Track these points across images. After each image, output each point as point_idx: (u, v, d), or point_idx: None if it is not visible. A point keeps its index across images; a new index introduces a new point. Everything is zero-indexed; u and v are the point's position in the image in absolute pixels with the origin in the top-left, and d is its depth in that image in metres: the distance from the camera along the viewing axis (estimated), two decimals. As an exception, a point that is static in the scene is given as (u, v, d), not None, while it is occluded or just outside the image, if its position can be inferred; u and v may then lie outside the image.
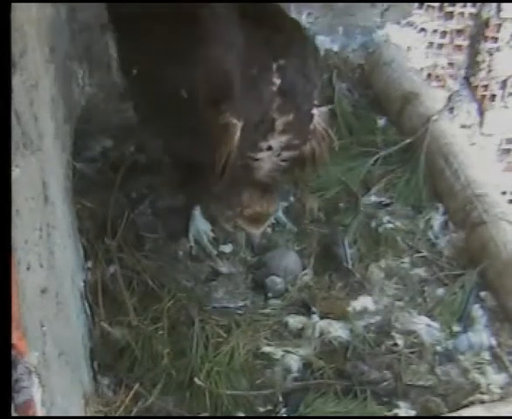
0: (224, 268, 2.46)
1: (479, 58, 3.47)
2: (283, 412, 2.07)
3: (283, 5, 2.38)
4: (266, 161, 2.06)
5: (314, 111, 2.11)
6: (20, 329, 1.25)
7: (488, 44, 3.44)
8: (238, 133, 2.00)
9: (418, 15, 3.41)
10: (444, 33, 3.46)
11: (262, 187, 2.13)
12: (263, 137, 2.03)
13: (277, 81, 2.03)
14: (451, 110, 3.41)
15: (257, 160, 2.06)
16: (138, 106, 2.39)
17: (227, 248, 2.54)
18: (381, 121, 3.07)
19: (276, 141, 2.04)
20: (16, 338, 1.22)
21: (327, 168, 2.69)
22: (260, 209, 2.17)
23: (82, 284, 2.30)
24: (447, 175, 2.73)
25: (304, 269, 2.47)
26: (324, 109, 2.16)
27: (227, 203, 2.28)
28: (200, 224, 2.56)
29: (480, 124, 3.60)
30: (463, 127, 3.50)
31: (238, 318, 2.29)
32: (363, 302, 2.38)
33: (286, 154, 2.07)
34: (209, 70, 2.07)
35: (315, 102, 2.12)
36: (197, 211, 2.56)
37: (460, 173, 2.69)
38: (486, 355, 2.24)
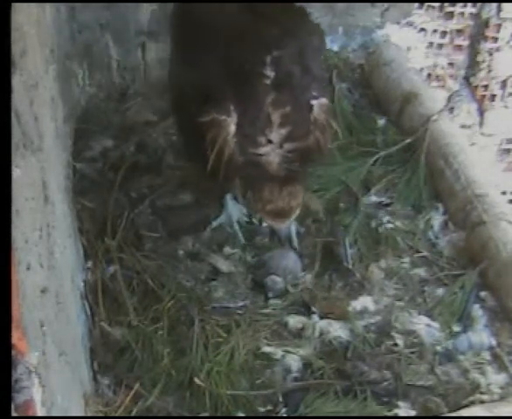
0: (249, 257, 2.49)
1: (479, 58, 3.47)
2: (283, 412, 2.07)
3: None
4: (272, 154, 2.06)
5: (313, 102, 2.10)
6: (20, 329, 1.25)
7: (488, 44, 3.44)
8: (228, 130, 2.02)
9: (418, 15, 3.41)
10: (444, 33, 3.47)
11: (281, 181, 2.11)
12: (261, 132, 2.03)
13: (271, 74, 2.03)
14: (451, 110, 3.41)
15: (261, 155, 2.06)
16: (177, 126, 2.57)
17: (225, 249, 2.55)
18: (381, 121, 3.07)
19: (275, 135, 2.04)
20: (16, 338, 1.22)
21: (326, 167, 2.70)
22: (282, 203, 2.15)
23: (82, 284, 2.30)
24: (447, 175, 2.73)
25: (304, 269, 2.47)
26: (323, 100, 2.14)
27: (251, 199, 2.29)
28: (233, 211, 2.58)
29: (480, 124, 3.60)
30: (463, 127, 3.50)
31: (238, 318, 2.29)
32: (363, 302, 2.38)
33: (289, 146, 2.06)
34: (192, 72, 2.11)
35: (314, 93, 2.12)
36: (229, 198, 2.58)
37: (460, 173, 2.69)
38: (486, 355, 2.24)
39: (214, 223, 2.58)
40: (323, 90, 2.18)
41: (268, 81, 2.03)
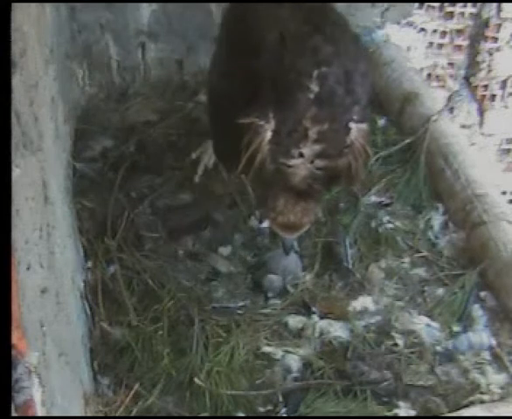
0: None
1: (479, 58, 3.47)
2: (283, 412, 2.07)
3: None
4: (301, 167, 2.02)
5: (352, 125, 2.05)
6: (20, 329, 1.25)
7: (488, 44, 3.44)
8: (265, 136, 2.00)
9: (418, 15, 3.41)
10: (444, 33, 3.46)
11: (298, 195, 2.09)
12: (295, 144, 2.00)
13: (315, 89, 2.00)
14: (451, 110, 3.41)
15: (290, 166, 2.03)
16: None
17: (226, 250, 2.55)
18: (381, 121, 3.07)
19: (308, 149, 2.00)
20: (16, 338, 1.22)
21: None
22: (294, 218, 2.12)
23: (82, 284, 2.30)
24: (447, 175, 2.72)
25: (304, 269, 2.47)
26: (363, 126, 2.09)
27: (264, 207, 2.27)
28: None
29: (480, 124, 3.60)
30: (463, 127, 3.50)
31: (238, 318, 2.29)
32: (363, 302, 2.38)
33: (320, 163, 2.03)
34: (239, 73, 2.09)
35: (355, 117, 2.06)
36: None
37: (460, 173, 2.69)
38: (486, 355, 2.24)
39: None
40: (365, 116, 2.12)
41: (311, 95, 1.99)
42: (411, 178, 2.78)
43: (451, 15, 3.42)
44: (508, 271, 2.36)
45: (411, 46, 3.46)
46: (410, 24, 3.42)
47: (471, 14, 3.41)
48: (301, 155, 2.01)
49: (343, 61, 2.08)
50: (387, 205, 2.73)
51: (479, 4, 3.38)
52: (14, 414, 1.22)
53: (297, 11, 2.17)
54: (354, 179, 2.16)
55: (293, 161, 2.02)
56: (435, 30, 3.45)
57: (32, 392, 1.26)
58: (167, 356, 2.15)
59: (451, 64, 3.52)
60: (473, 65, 3.50)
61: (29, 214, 1.48)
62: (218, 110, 2.31)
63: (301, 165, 2.02)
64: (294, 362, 2.19)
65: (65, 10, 2.88)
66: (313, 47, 2.05)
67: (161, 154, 2.90)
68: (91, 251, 2.44)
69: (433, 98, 3.09)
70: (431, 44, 3.48)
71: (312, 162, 2.02)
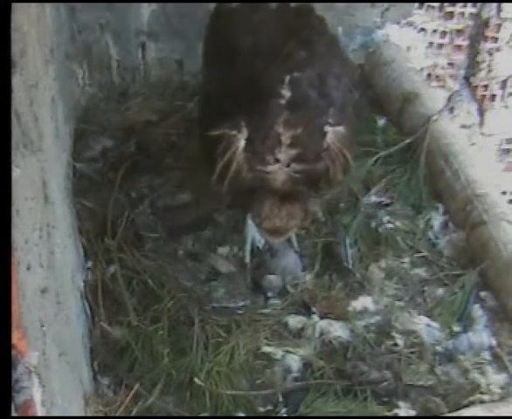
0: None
1: (479, 58, 3.47)
2: (283, 412, 2.07)
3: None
4: (279, 172, 2.02)
5: (328, 129, 2.04)
6: (20, 329, 1.25)
7: (488, 44, 3.44)
8: (238, 145, 1.99)
9: (418, 15, 3.41)
10: (444, 33, 3.47)
11: (282, 199, 2.09)
12: (269, 151, 2.00)
13: (287, 94, 1.99)
14: (451, 110, 3.41)
15: (268, 172, 2.02)
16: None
17: (226, 250, 2.55)
18: (381, 121, 3.07)
19: (284, 154, 2.00)
20: (16, 338, 1.22)
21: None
22: (280, 222, 2.13)
23: (82, 284, 2.30)
24: (447, 175, 2.72)
25: (304, 269, 2.47)
26: (340, 128, 2.07)
27: (251, 213, 2.28)
28: (250, 230, 2.53)
29: (480, 124, 3.60)
30: (463, 127, 3.50)
31: (238, 318, 2.29)
32: (363, 302, 2.38)
33: (297, 167, 2.02)
34: (213, 83, 2.11)
35: (330, 120, 2.05)
36: (249, 217, 2.51)
37: (460, 173, 2.69)
38: (486, 355, 2.24)
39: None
40: (343, 119, 2.10)
41: (283, 101, 1.99)
42: (411, 178, 2.78)
43: (451, 15, 3.42)
44: (508, 271, 2.36)
45: (411, 46, 3.46)
46: (410, 24, 3.42)
47: (471, 14, 3.42)
48: (277, 161, 2.01)
49: (317, 65, 2.08)
50: (387, 205, 2.73)
51: (479, 4, 3.38)
52: (14, 414, 1.22)
53: (273, 15, 2.17)
54: (332, 182, 2.14)
55: (269, 168, 2.02)
56: (435, 30, 3.46)
57: (32, 392, 1.26)
58: (167, 356, 2.15)
59: (451, 64, 3.53)
60: (473, 65, 3.50)
61: (29, 214, 1.48)
62: (203, 118, 2.31)
63: (279, 170, 2.02)
64: (294, 362, 2.19)
65: (65, 10, 2.88)
66: (286, 53, 2.05)
67: (161, 154, 2.90)
68: (91, 251, 2.44)
69: (433, 98, 3.09)
70: (431, 44, 3.48)
71: (289, 166, 2.01)
